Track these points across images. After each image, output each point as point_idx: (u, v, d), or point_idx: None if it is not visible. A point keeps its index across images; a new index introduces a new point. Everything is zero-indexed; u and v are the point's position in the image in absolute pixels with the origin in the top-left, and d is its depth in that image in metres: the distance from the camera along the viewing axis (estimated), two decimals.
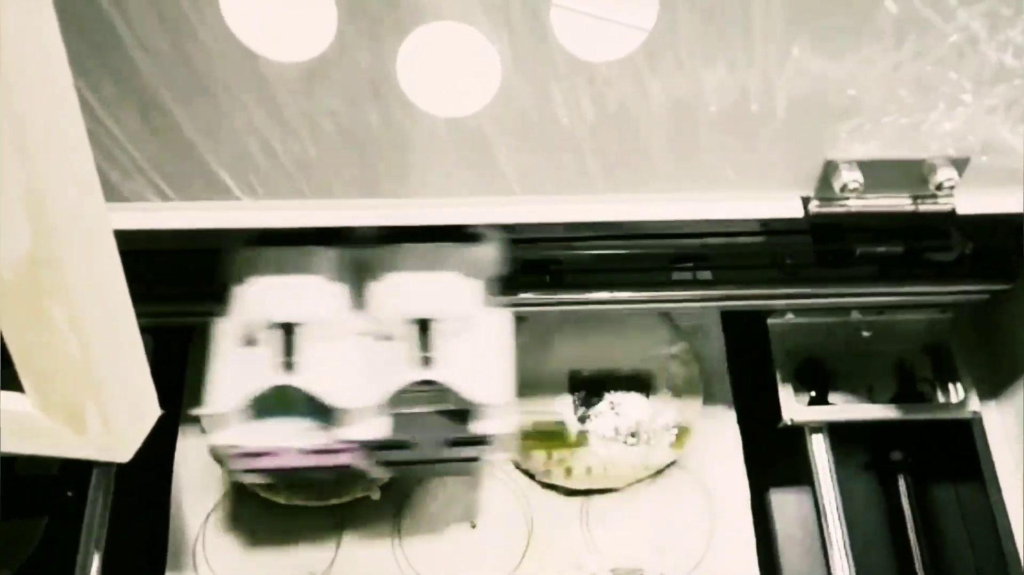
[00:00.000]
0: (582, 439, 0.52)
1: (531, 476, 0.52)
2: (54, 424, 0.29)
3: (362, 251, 0.39)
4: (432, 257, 0.39)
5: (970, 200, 0.37)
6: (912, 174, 0.36)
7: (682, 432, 0.52)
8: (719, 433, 0.54)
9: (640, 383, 0.53)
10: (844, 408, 0.52)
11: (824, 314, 0.53)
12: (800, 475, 0.53)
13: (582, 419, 0.52)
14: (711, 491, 0.52)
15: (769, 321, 0.53)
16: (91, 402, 0.28)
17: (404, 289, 0.38)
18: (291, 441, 0.39)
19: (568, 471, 0.51)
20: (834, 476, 0.51)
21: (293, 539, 0.50)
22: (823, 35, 0.32)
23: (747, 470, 0.53)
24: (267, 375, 0.38)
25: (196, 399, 0.52)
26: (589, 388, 0.53)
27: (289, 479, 0.42)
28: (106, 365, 0.28)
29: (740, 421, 0.54)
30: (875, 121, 0.34)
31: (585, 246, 0.45)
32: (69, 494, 0.52)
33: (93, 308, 0.27)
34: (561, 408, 0.52)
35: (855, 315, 0.52)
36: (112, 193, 0.35)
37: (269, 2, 0.29)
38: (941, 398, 0.53)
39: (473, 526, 0.51)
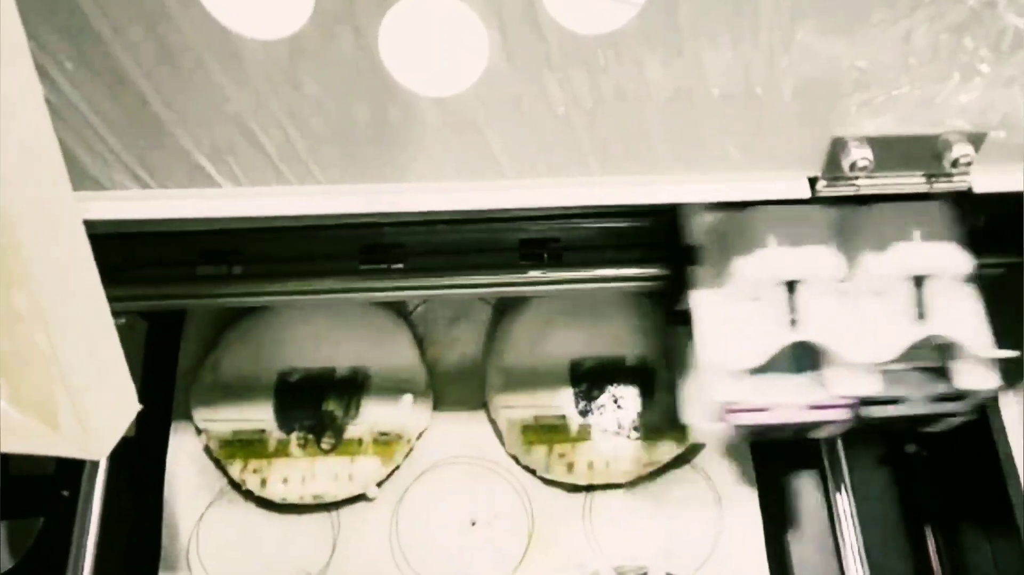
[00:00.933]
0: (584, 433, 0.50)
1: (532, 472, 0.51)
2: (26, 420, 0.28)
3: (849, 210, 0.40)
4: (920, 217, 0.39)
5: (987, 177, 0.35)
6: (925, 151, 0.34)
7: (687, 426, 0.50)
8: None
9: (643, 376, 0.51)
10: None
11: None
12: (809, 462, 0.51)
13: (584, 413, 0.51)
14: (717, 486, 0.51)
15: None
16: (62, 395, 0.27)
17: (900, 246, 0.39)
18: (792, 397, 0.40)
19: (570, 466, 0.50)
20: (844, 463, 0.49)
21: (288, 539, 0.49)
22: (829, 5, 0.30)
23: (754, 458, 0.51)
24: (777, 332, 0.39)
25: (188, 396, 0.51)
26: (591, 381, 0.51)
27: (784, 435, 0.43)
28: (76, 357, 0.27)
29: None
30: (886, 95, 0.32)
31: (585, 223, 0.44)
32: (64, 494, 0.51)
33: (59, 297, 0.25)
34: (562, 402, 0.51)
35: None
36: (90, 182, 0.34)
37: None
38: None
39: (473, 524, 0.50)
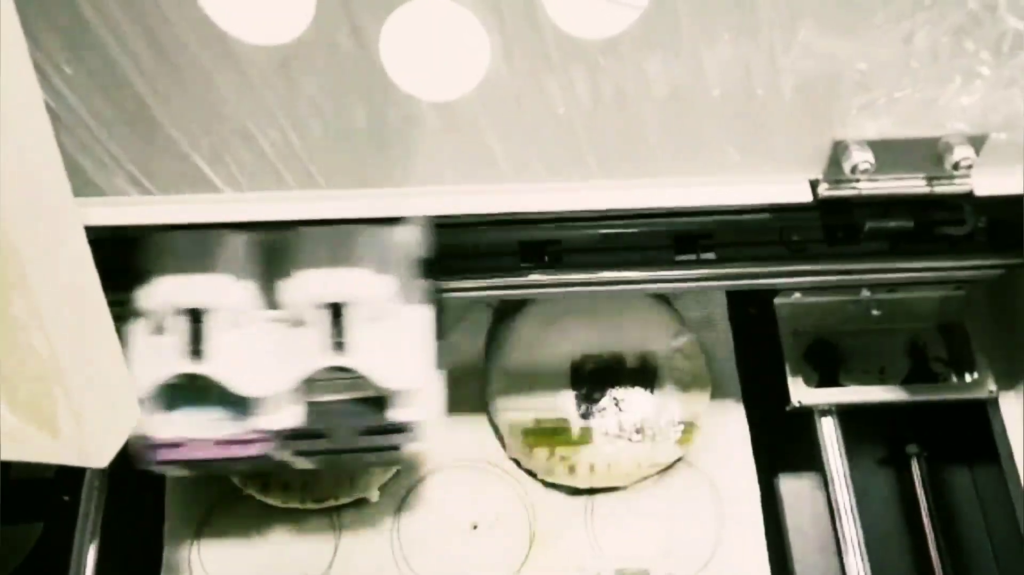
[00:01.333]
0: (585, 436, 0.50)
1: (533, 475, 0.51)
2: (26, 427, 0.28)
3: (273, 236, 0.38)
4: (345, 241, 0.37)
5: (988, 180, 0.35)
6: (926, 153, 0.34)
7: (688, 428, 0.50)
8: (727, 429, 0.52)
9: (644, 378, 0.51)
10: (854, 390, 0.51)
11: (832, 292, 0.51)
12: (810, 463, 0.51)
13: (585, 415, 0.51)
14: (719, 489, 0.51)
15: (776, 301, 0.51)
16: (62, 402, 0.27)
17: (316, 274, 0.37)
18: (202, 431, 0.38)
19: (571, 469, 0.49)
20: (845, 463, 0.49)
21: (290, 542, 0.49)
22: (831, 8, 0.30)
23: (755, 457, 0.51)
24: (174, 363, 0.37)
25: None
26: (592, 384, 0.51)
27: (206, 470, 0.41)
28: (76, 362, 0.26)
29: (747, 405, 0.52)
30: (887, 97, 0.32)
31: (585, 226, 0.44)
32: (65, 498, 0.51)
33: (59, 303, 0.25)
34: (564, 404, 0.51)
35: (864, 293, 0.51)
36: (90, 187, 0.34)
37: None
38: (955, 379, 0.51)
39: (474, 527, 0.50)
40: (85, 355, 0.27)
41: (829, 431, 0.50)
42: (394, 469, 0.50)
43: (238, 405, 0.38)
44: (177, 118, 0.32)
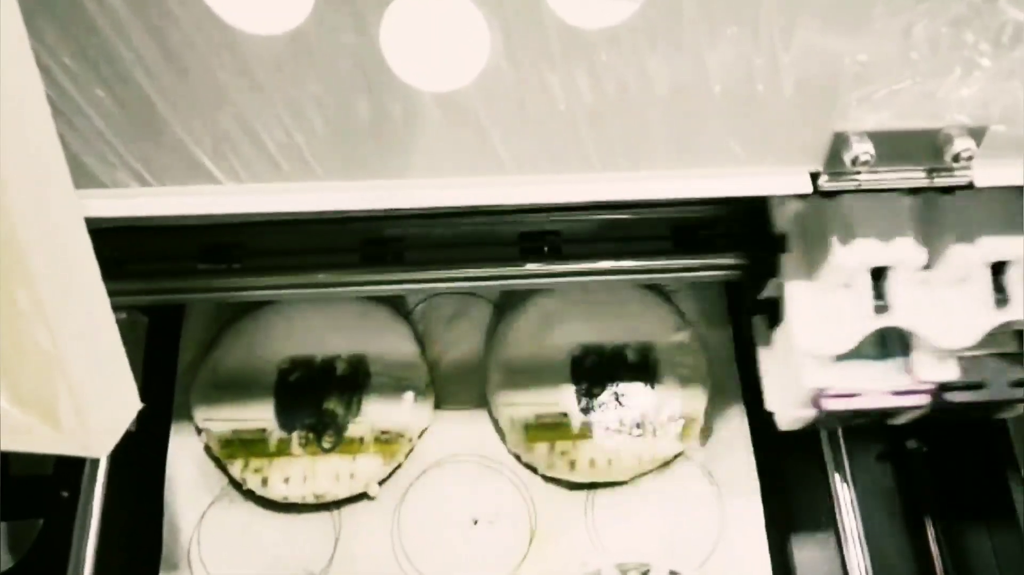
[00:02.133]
0: (586, 431, 0.50)
1: (533, 469, 0.51)
2: (27, 418, 0.28)
3: (931, 196, 0.40)
4: (997, 202, 0.40)
5: (988, 171, 0.35)
6: (927, 145, 0.34)
7: (689, 423, 0.51)
8: (727, 423, 0.52)
9: (645, 373, 0.51)
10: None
11: None
12: (812, 458, 0.51)
13: (585, 410, 0.51)
14: (720, 483, 0.51)
15: None
16: (64, 393, 0.27)
17: (981, 234, 0.40)
18: (877, 383, 0.41)
19: (572, 464, 0.50)
20: (847, 461, 0.49)
21: (290, 538, 0.49)
22: (829, 1, 0.30)
23: (756, 457, 0.51)
24: (866, 318, 0.40)
25: (187, 396, 0.51)
26: (592, 378, 0.51)
27: (862, 420, 0.44)
28: (78, 353, 0.26)
29: (747, 400, 0.52)
30: (887, 89, 0.32)
31: (584, 215, 0.44)
32: (64, 494, 0.51)
33: (61, 294, 0.25)
34: (564, 399, 0.51)
35: None
36: (89, 179, 0.34)
37: None
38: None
39: (475, 522, 0.50)
40: (87, 347, 0.27)
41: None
42: (394, 465, 0.50)
43: (900, 358, 0.41)
44: (177, 109, 0.32)
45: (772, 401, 0.45)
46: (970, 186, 0.36)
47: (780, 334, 0.43)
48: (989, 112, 0.33)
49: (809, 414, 0.43)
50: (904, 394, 0.41)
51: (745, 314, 0.47)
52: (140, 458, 0.50)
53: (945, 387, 0.41)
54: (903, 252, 0.40)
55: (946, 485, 0.52)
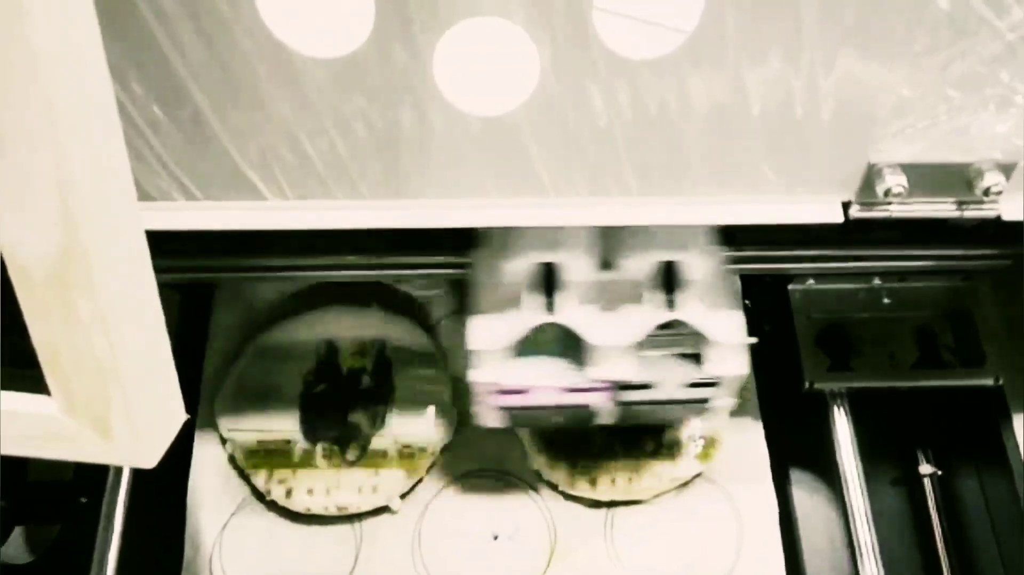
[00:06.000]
0: (608, 449, 0.51)
1: (555, 486, 0.51)
2: (80, 428, 0.28)
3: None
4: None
5: (1015, 205, 0.36)
6: (957, 178, 0.35)
7: (709, 444, 0.51)
8: (746, 445, 0.53)
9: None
10: (865, 374, 0.52)
11: (845, 280, 0.53)
12: (828, 480, 0.52)
13: (607, 428, 0.51)
14: (738, 504, 0.51)
15: (790, 287, 0.53)
16: (117, 404, 0.27)
17: (650, 238, 0.41)
18: (548, 380, 0.41)
19: (593, 482, 0.50)
20: (863, 483, 0.50)
21: (311, 549, 0.49)
22: (872, 35, 0.31)
23: (773, 477, 0.51)
24: (531, 315, 0.40)
25: (212, 405, 0.51)
26: None
27: (534, 420, 0.45)
28: (133, 365, 0.27)
29: (760, 392, 0.53)
30: (923, 123, 0.33)
31: None
32: (83, 500, 0.51)
33: (120, 305, 0.26)
34: None
35: (876, 282, 0.53)
36: (138, 192, 0.34)
37: None
38: (962, 367, 0.53)
39: (495, 537, 0.50)
40: (141, 358, 0.27)
41: (842, 423, 0.51)
42: (416, 479, 0.50)
43: (574, 357, 0.41)
44: (229, 126, 0.33)
45: (471, 398, 0.44)
46: (997, 219, 0.37)
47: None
48: (1020, 148, 0.34)
49: (492, 411, 0.42)
50: (579, 391, 0.41)
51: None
52: (163, 465, 0.51)
53: (621, 386, 0.41)
54: (573, 252, 0.41)
55: (960, 508, 0.53)
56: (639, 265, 0.41)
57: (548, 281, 0.41)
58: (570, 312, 0.40)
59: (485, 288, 0.41)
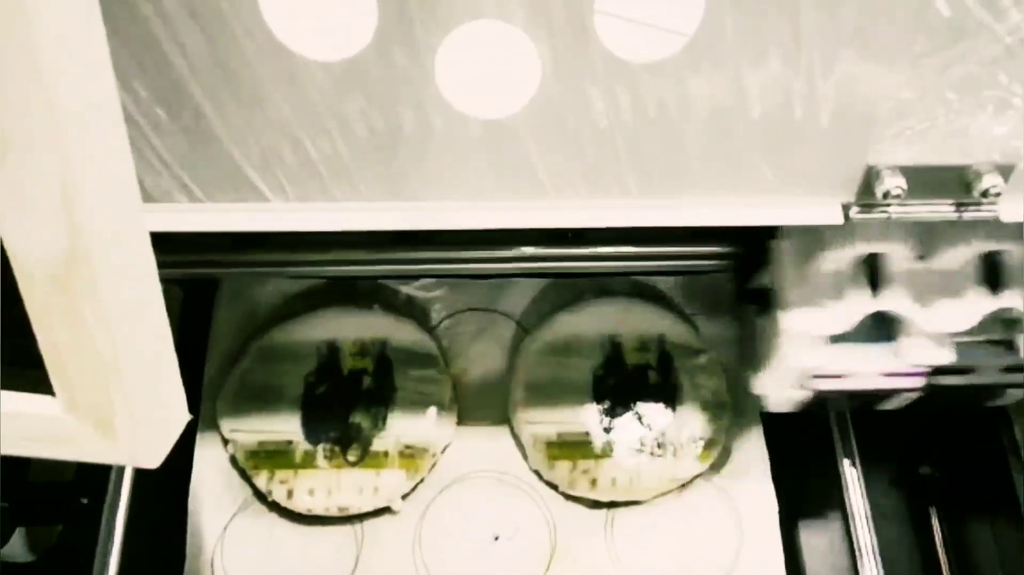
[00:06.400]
0: (607, 450, 0.51)
1: (555, 487, 0.51)
2: (83, 428, 0.28)
3: None
4: None
5: (1015, 206, 0.36)
6: (956, 180, 0.35)
7: (709, 444, 0.51)
8: (747, 445, 0.53)
9: (666, 394, 0.52)
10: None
11: None
12: (829, 481, 0.52)
13: (607, 429, 0.51)
14: (738, 505, 0.51)
15: None
16: (121, 404, 0.27)
17: (970, 229, 0.41)
18: (869, 365, 0.42)
19: (593, 482, 0.50)
20: (863, 485, 0.50)
21: (312, 550, 0.49)
22: (871, 37, 0.31)
23: (773, 478, 0.52)
24: (859, 301, 0.41)
25: (214, 406, 0.52)
26: (614, 398, 0.52)
27: (851, 403, 0.45)
28: (136, 366, 0.27)
29: (765, 423, 0.53)
30: (921, 125, 0.33)
31: None
32: (84, 501, 0.52)
33: (124, 306, 0.26)
34: (586, 418, 0.51)
35: None
36: (140, 193, 0.35)
37: (310, 0, 0.29)
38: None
39: (495, 538, 0.50)
40: (145, 358, 0.28)
41: (841, 422, 0.52)
42: (417, 479, 0.50)
43: (890, 341, 0.42)
44: (231, 128, 0.33)
45: (762, 384, 0.46)
46: (996, 221, 0.37)
47: (771, 320, 0.44)
48: (1019, 150, 0.34)
49: (800, 395, 0.44)
50: (896, 376, 0.42)
51: (740, 302, 0.49)
52: (164, 466, 0.51)
53: (937, 370, 0.42)
54: (895, 238, 0.41)
55: (961, 511, 0.53)
56: (958, 255, 0.41)
57: (872, 270, 0.41)
58: (896, 299, 0.41)
59: (800, 278, 0.42)
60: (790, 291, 0.42)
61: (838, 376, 0.43)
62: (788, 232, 0.43)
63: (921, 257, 0.42)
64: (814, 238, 0.42)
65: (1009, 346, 0.43)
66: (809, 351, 0.42)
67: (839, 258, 0.42)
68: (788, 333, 0.42)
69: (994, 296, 0.41)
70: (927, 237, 0.42)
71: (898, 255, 0.41)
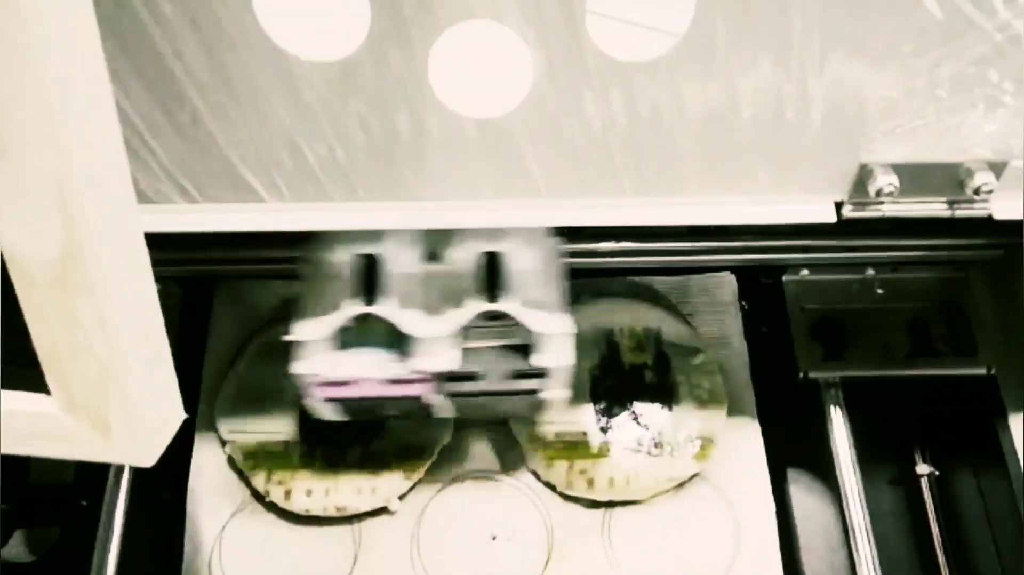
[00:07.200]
0: (604, 450, 0.51)
1: (552, 487, 0.51)
2: (79, 427, 0.28)
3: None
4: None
5: (1007, 203, 0.36)
6: (948, 178, 0.36)
7: (706, 444, 0.51)
8: (744, 445, 0.53)
9: (663, 393, 0.52)
10: (859, 364, 0.53)
11: (839, 271, 0.53)
12: (826, 480, 0.52)
13: (604, 429, 0.51)
14: (735, 504, 0.51)
15: (784, 278, 0.53)
16: (116, 403, 0.28)
17: (475, 230, 0.41)
18: (370, 371, 0.41)
19: (590, 482, 0.50)
20: (860, 483, 0.50)
21: (310, 551, 0.49)
22: (861, 37, 0.31)
23: (771, 479, 0.52)
24: (351, 306, 0.40)
25: (212, 407, 0.52)
26: (611, 398, 0.52)
27: (360, 411, 0.44)
28: (132, 365, 0.27)
29: (756, 389, 0.54)
30: (913, 123, 0.34)
31: None
32: (83, 503, 0.52)
33: (120, 305, 0.26)
34: (583, 418, 0.52)
35: (870, 272, 0.53)
36: (137, 195, 0.35)
37: (303, 1, 0.29)
38: (955, 356, 0.53)
39: (493, 538, 0.50)
40: (140, 357, 0.28)
41: (837, 418, 0.51)
42: (415, 480, 0.51)
43: (400, 348, 0.41)
44: (227, 129, 0.33)
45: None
46: (989, 218, 0.37)
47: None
48: (1010, 147, 0.34)
49: (320, 404, 0.42)
50: (402, 383, 0.41)
51: None
52: (162, 467, 0.51)
53: (444, 377, 0.41)
54: (388, 245, 0.41)
55: (958, 510, 0.53)
56: (463, 256, 0.41)
57: (369, 272, 0.41)
58: (388, 303, 0.40)
59: (311, 281, 0.42)
60: (304, 295, 0.41)
61: (341, 383, 0.41)
62: (312, 236, 0.42)
63: (431, 258, 0.41)
64: (326, 241, 0.41)
65: (524, 352, 0.42)
66: (312, 358, 0.41)
67: (339, 261, 0.41)
68: (294, 335, 0.41)
69: (490, 300, 0.40)
70: (432, 239, 0.42)
71: (397, 258, 0.41)
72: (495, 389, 0.42)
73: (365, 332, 0.41)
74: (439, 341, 0.40)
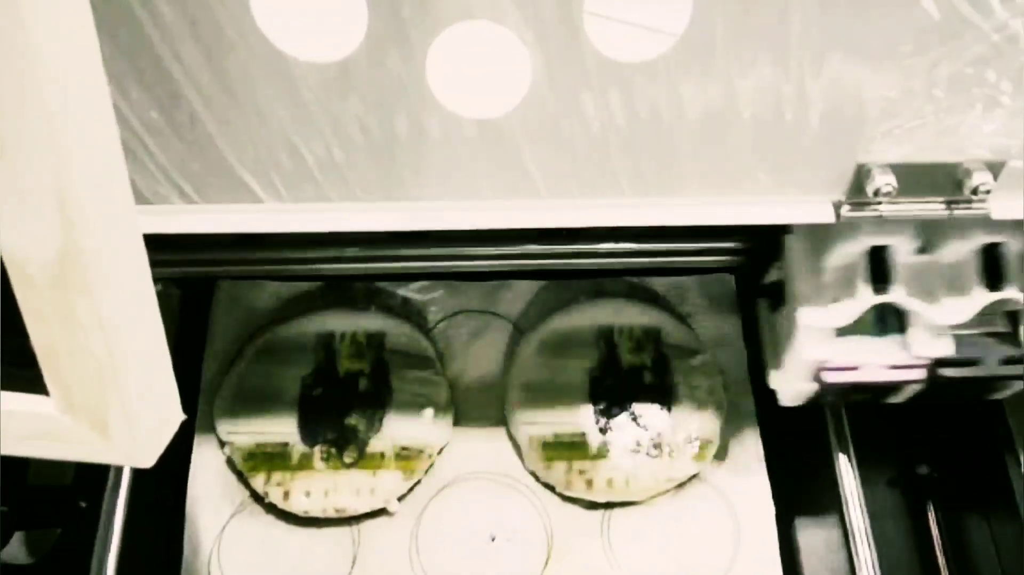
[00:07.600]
0: (603, 450, 0.51)
1: (551, 488, 0.51)
2: (78, 427, 0.28)
3: None
4: None
5: (1005, 203, 0.36)
6: (946, 178, 0.36)
7: (705, 444, 0.51)
8: (743, 446, 0.53)
9: (662, 394, 0.52)
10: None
11: None
12: (826, 481, 0.52)
13: (603, 430, 0.51)
14: (735, 505, 0.51)
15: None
16: (115, 404, 0.28)
17: (972, 223, 0.42)
18: (876, 357, 0.43)
19: (589, 483, 0.50)
20: (860, 484, 0.50)
21: (309, 552, 0.50)
22: (859, 37, 0.31)
23: (770, 479, 0.52)
24: (866, 294, 0.42)
25: (211, 408, 0.52)
26: (610, 399, 0.52)
27: (858, 395, 0.46)
28: (131, 365, 0.27)
29: (755, 391, 0.54)
30: (910, 123, 0.34)
31: None
32: (83, 504, 0.52)
33: (119, 305, 0.26)
34: (582, 419, 0.52)
35: None
36: (135, 196, 0.35)
37: (300, 2, 0.29)
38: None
39: (492, 539, 0.50)
40: (139, 358, 0.28)
41: (837, 420, 0.52)
42: (414, 481, 0.51)
43: (893, 334, 0.43)
44: (226, 130, 0.33)
45: (775, 379, 0.47)
46: (987, 218, 0.37)
47: (783, 314, 0.45)
48: (1008, 147, 0.34)
49: (811, 388, 0.44)
50: (900, 369, 0.43)
51: (751, 297, 0.50)
52: (162, 468, 0.51)
53: (940, 363, 0.43)
54: (900, 232, 0.42)
55: (959, 512, 0.53)
56: (959, 247, 0.42)
57: (877, 263, 0.42)
58: (901, 292, 0.41)
59: (810, 272, 0.43)
60: (801, 285, 0.43)
61: (847, 368, 0.43)
62: (798, 227, 0.44)
63: (923, 250, 0.42)
64: (823, 232, 0.43)
65: (1009, 338, 0.44)
66: (819, 344, 0.43)
67: (847, 252, 0.42)
68: (799, 326, 0.43)
69: (994, 288, 0.42)
70: (928, 230, 0.43)
71: (902, 249, 0.42)
72: (986, 375, 0.43)
73: (861, 320, 0.42)
74: (939, 329, 0.42)
